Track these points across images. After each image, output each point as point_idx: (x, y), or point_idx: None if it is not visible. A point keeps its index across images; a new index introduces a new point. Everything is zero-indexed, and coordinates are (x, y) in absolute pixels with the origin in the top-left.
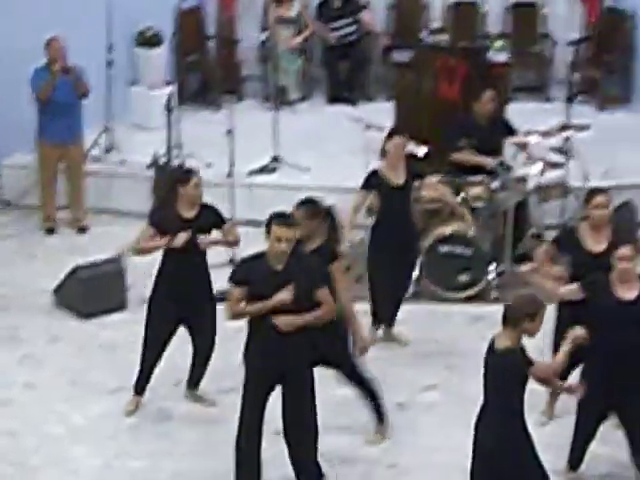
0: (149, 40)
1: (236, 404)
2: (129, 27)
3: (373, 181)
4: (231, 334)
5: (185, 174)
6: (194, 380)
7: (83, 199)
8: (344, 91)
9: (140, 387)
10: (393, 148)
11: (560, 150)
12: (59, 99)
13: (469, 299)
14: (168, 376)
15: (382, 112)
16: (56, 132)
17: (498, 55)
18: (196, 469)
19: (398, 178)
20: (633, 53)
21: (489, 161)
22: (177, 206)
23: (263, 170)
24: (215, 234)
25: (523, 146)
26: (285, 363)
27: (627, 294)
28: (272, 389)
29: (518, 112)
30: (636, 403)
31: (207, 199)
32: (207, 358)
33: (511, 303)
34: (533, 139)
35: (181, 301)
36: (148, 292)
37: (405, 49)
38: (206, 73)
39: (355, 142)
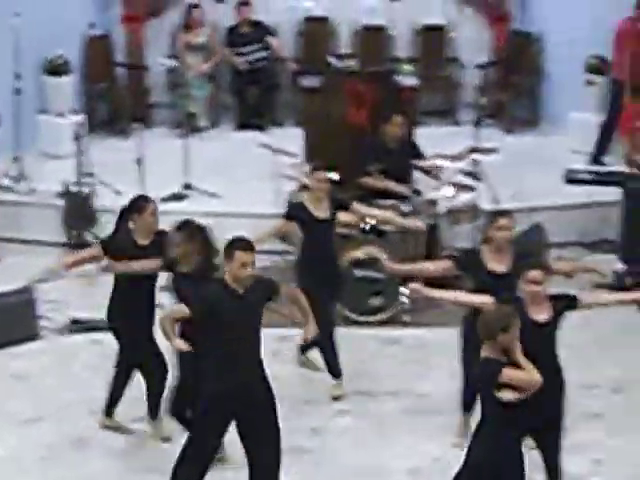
0: (57, 68)
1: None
2: (37, 55)
3: (297, 212)
4: None
5: (142, 202)
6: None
7: None
8: (253, 117)
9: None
10: (316, 183)
11: (469, 173)
12: None
13: (382, 323)
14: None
15: (291, 138)
16: None
17: (406, 79)
18: None
19: (322, 211)
20: (540, 76)
21: (399, 187)
22: (132, 234)
23: (174, 197)
24: None
25: (432, 170)
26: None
27: (539, 316)
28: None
29: (427, 136)
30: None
31: None
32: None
33: (483, 320)
34: (442, 163)
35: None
36: (60, 320)
37: (314, 75)
38: (115, 101)
39: (264, 168)
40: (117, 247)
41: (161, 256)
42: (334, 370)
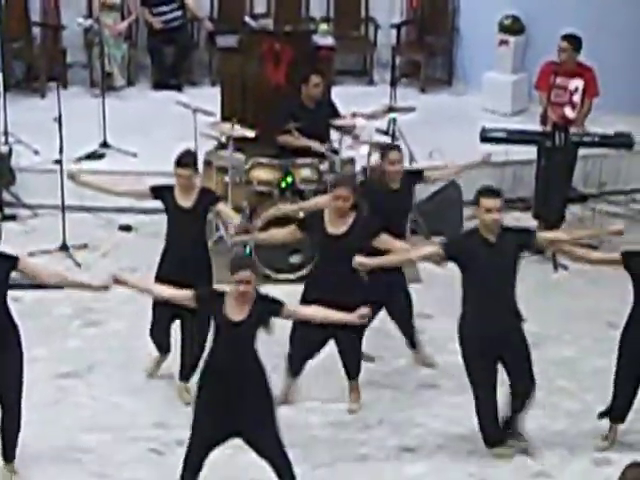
0: None
1: None
2: None
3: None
4: None
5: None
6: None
7: None
8: (169, 76)
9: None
10: (181, 179)
11: (386, 132)
12: None
13: (300, 280)
14: None
15: (207, 97)
16: None
17: (323, 39)
18: None
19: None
20: (454, 36)
21: (317, 145)
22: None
23: (91, 156)
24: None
25: (349, 128)
26: None
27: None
28: None
29: (342, 95)
30: None
31: (35, 185)
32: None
33: None
34: (359, 121)
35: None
36: None
37: (230, 34)
38: (31, 60)
39: (181, 127)
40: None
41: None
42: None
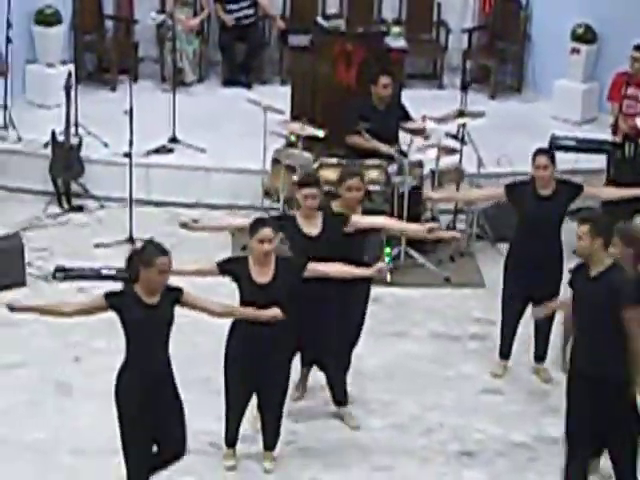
0: (47, 18)
1: None
2: (28, 5)
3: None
4: None
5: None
6: None
7: None
8: (239, 74)
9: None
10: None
11: (455, 136)
12: None
13: None
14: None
15: (277, 96)
16: None
17: (395, 41)
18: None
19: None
20: (526, 43)
21: (385, 147)
22: None
23: (160, 150)
24: None
25: (419, 131)
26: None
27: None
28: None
29: (411, 98)
30: None
31: (105, 178)
32: None
33: None
34: (429, 125)
35: None
36: (47, 268)
37: (301, 33)
38: (103, 53)
39: (251, 124)
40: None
41: None
42: None
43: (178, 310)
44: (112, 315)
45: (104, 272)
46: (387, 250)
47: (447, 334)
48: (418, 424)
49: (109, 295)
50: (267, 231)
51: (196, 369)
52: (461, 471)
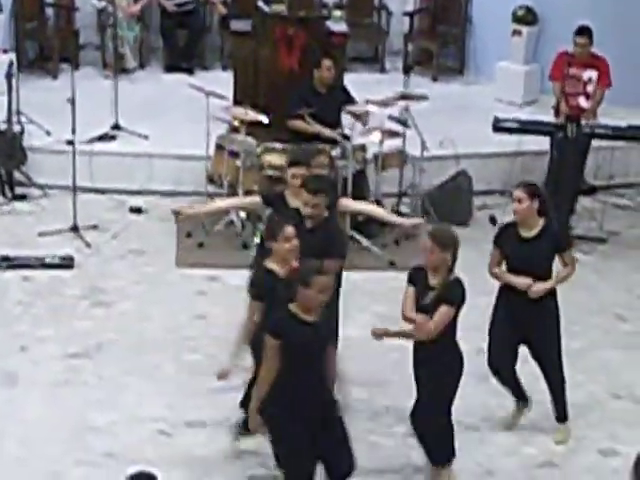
0: None
1: None
2: None
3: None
4: None
5: None
6: None
7: None
8: (181, 60)
9: None
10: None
11: (398, 120)
12: None
13: None
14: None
15: (219, 81)
16: None
17: (337, 25)
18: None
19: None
20: (467, 25)
21: (328, 131)
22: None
23: (103, 138)
24: None
25: (362, 115)
26: None
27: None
28: None
29: (353, 82)
30: None
31: (48, 166)
32: None
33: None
34: (372, 108)
35: None
36: None
37: (243, 18)
38: (44, 40)
39: (193, 110)
40: None
41: None
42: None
43: (125, 297)
44: (57, 303)
45: (48, 260)
46: None
47: (391, 317)
48: (367, 408)
49: None
50: (290, 229)
51: (145, 355)
52: (409, 453)
